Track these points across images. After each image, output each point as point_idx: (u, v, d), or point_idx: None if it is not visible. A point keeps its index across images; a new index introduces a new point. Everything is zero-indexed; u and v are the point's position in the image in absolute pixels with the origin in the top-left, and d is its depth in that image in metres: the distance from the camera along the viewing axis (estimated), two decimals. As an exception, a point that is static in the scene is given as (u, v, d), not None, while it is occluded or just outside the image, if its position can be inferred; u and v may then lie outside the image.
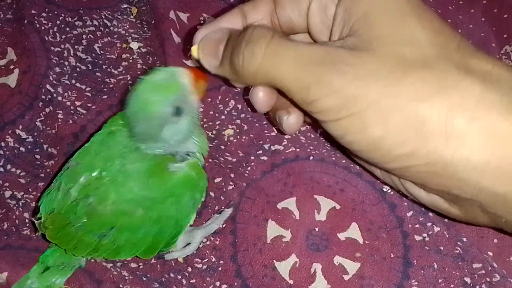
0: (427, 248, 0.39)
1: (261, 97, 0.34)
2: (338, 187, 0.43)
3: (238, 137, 0.47)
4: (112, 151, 0.37)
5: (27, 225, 0.43)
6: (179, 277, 0.40)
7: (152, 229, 0.36)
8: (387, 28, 0.30)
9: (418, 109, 0.28)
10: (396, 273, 0.39)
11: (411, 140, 0.29)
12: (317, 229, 0.41)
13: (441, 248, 0.39)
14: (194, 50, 0.35)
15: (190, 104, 0.36)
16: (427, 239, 0.40)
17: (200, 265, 0.40)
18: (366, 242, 0.40)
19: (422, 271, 0.39)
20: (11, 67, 0.51)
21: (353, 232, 0.41)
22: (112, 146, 0.37)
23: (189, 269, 0.40)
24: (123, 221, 0.35)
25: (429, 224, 0.40)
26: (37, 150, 0.46)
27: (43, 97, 0.48)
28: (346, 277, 0.39)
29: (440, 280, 0.38)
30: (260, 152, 0.46)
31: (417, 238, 0.40)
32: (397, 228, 0.41)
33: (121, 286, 0.38)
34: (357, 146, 0.31)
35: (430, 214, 0.40)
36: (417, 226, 0.40)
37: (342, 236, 0.41)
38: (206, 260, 0.40)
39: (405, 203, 0.41)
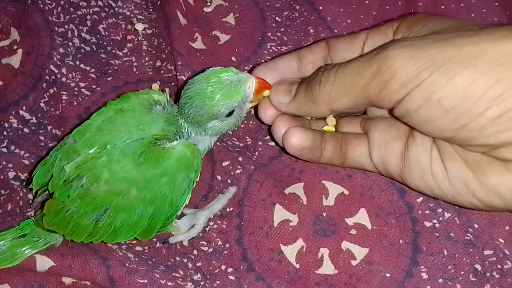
0: (437, 234, 0.39)
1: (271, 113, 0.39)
2: (346, 173, 0.42)
3: (246, 121, 0.47)
4: (118, 129, 0.36)
5: (31, 206, 0.42)
6: (185, 260, 0.39)
7: (147, 209, 0.36)
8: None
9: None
10: (405, 259, 0.38)
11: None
12: (324, 214, 0.41)
13: (452, 234, 0.39)
14: (266, 92, 0.39)
15: (243, 110, 0.38)
16: (437, 225, 0.39)
17: (206, 248, 0.40)
18: (374, 228, 0.40)
19: (432, 258, 0.38)
20: (15, 47, 0.50)
21: (362, 217, 0.40)
22: (119, 125, 0.36)
23: (195, 252, 0.40)
24: (117, 202, 0.35)
25: (439, 210, 0.39)
26: (41, 131, 0.46)
27: (47, 78, 0.48)
28: (354, 262, 0.38)
29: (449, 267, 0.38)
30: (268, 137, 0.45)
31: (427, 224, 0.39)
32: (406, 214, 0.40)
33: (127, 264, 0.38)
34: (448, 101, 0.30)
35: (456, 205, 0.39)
36: (427, 212, 0.40)
37: (350, 221, 0.40)
38: (212, 243, 0.40)
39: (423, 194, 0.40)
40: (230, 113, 0.37)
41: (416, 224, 0.39)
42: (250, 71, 0.40)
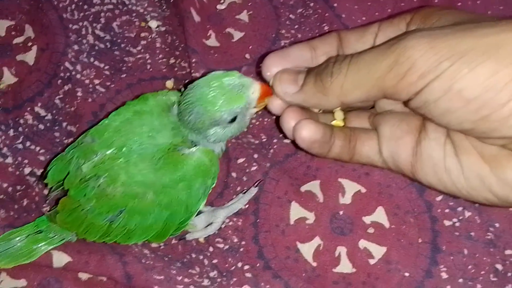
0: (457, 233, 0.38)
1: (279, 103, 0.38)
2: (363, 170, 0.42)
3: (260, 119, 0.46)
4: (135, 131, 0.36)
5: (47, 202, 0.42)
6: (201, 257, 0.39)
7: (162, 214, 0.35)
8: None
9: None
10: (424, 258, 0.38)
11: None
12: (341, 212, 0.40)
13: (472, 234, 0.38)
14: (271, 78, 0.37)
15: (246, 116, 0.36)
16: (457, 224, 0.39)
17: (221, 245, 0.40)
18: (392, 226, 0.39)
19: (451, 257, 0.38)
20: (29, 44, 0.50)
21: (379, 216, 0.40)
22: (137, 126, 0.36)
23: (211, 249, 0.39)
24: (132, 205, 0.35)
25: (459, 209, 0.39)
26: (56, 127, 0.46)
27: (61, 74, 0.48)
28: (371, 261, 0.38)
29: (470, 267, 0.37)
30: (283, 135, 0.45)
31: (447, 223, 0.39)
32: (425, 212, 0.39)
33: (143, 261, 0.37)
34: (470, 91, 0.30)
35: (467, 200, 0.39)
36: (447, 211, 0.39)
37: (367, 220, 0.40)
38: (228, 240, 0.40)
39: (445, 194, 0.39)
40: (233, 120, 0.35)
41: (436, 223, 0.39)
42: (261, 61, 0.39)
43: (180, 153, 0.35)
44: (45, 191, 0.43)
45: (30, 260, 0.37)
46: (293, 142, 0.38)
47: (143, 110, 0.37)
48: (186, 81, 0.49)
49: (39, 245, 0.37)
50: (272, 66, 0.38)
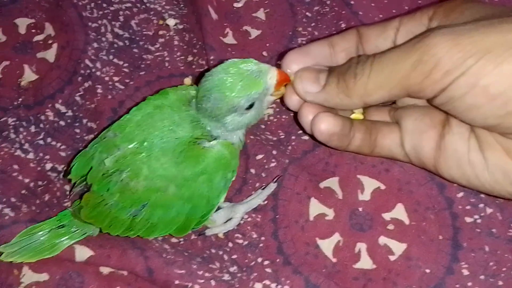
0: (478, 230, 0.38)
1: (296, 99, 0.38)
2: (383, 167, 0.42)
3: (278, 116, 0.46)
4: (156, 125, 0.36)
5: (68, 197, 0.42)
6: (221, 252, 0.39)
7: (184, 207, 0.36)
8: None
9: None
10: (444, 255, 0.38)
11: None
12: (360, 209, 0.40)
13: (494, 230, 0.38)
14: (291, 75, 0.37)
15: (264, 103, 0.36)
16: (478, 221, 0.38)
17: (241, 241, 0.40)
18: (412, 223, 0.39)
19: (473, 254, 0.37)
20: (50, 42, 0.51)
21: (399, 212, 0.40)
22: (157, 120, 0.36)
23: (230, 244, 0.40)
24: (155, 198, 0.35)
25: (481, 205, 0.39)
26: (76, 124, 0.46)
27: (82, 72, 0.48)
28: (392, 258, 0.38)
29: (491, 263, 0.37)
30: (301, 131, 0.45)
31: (468, 220, 0.39)
32: (446, 209, 0.39)
33: (164, 255, 0.38)
34: (496, 87, 0.30)
35: (482, 195, 0.39)
36: (468, 207, 0.39)
37: (387, 216, 0.40)
38: (247, 236, 0.40)
39: (455, 184, 0.40)
40: (250, 106, 0.35)
41: (456, 219, 0.39)
42: (280, 58, 0.39)
43: (201, 146, 0.35)
44: (66, 187, 0.43)
45: (52, 254, 0.38)
46: (312, 136, 0.38)
47: (163, 104, 0.37)
48: (202, 69, 0.49)
49: (62, 239, 0.38)
50: (292, 63, 0.38)
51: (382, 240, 0.39)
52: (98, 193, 0.36)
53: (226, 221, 0.40)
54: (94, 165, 0.37)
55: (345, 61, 0.38)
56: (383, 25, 0.38)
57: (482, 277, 0.37)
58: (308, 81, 0.36)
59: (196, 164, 0.35)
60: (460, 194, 0.39)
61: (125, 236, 0.37)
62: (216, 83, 0.34)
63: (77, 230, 0.38)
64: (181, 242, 0.40)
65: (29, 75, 0.49)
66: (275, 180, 0.41)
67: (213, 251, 0.39)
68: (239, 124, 0.36)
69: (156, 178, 0.35)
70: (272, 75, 0.35)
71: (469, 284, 0.36)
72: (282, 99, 0.40)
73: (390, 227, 0.39)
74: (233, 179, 0.37)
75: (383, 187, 0.41)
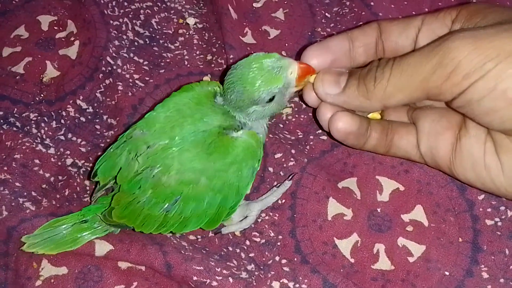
0: (499, 233, 0.38)
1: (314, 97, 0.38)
2: (402, 168, 0.41)
3: (297, 115, 0.47)
4: (184, 119, 0.37)
5: (88, 192, 0.43)
6: (238, 250, 0.39)
7: (216, 198, 0.36)
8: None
9: None
10: (464, 257, 0.37)
11: None
12: (379, 209, 0.40)
13: (515, 233, 0.37)
14: (311, 77, 0.38)
15: (285, 96, 0.37)
16: (499, 223, 0.38)
17: (258, 239, 0.40)
18: (432, 225, 0.39)
19: (493, 257, 0.37)
20: (72, 39, 0.51)
21: (418, 214, 0.40)
22: (186, 116, 0.37)
23: (247, 242, 0.40)
24: (187, 191, 0.35)
25: (502, 208, 0.38)
26: (97, 120, 0.47)
27: (103, 69, 0.49)
28: (411, 259, 0.38)
29: (511, 267, 0.36)
30: (320, 131, 0.45)
31: (489, 222, 0.38)
32: (466, 211, 0.39)
33: (182, 252, 0.38)
34: None
35: (504, 198, 0.38)
36: (489, 210, 0.38)
37: (406, 217, 0.40)
38: (265, 234, 0.40)
39: (482, 191, 0.39)
40: (271, 99, 0.36)
41: (477, 222, 0.38)
42: (301, 52, 0.39)
43: (229, 136, 0.36)
44: (86, 182, 0.44)
45: (73, 248, 0.38)
46: (329, 134, 0.39)
47: (190, 99, 0.38)
48: (221, 68, 0.49)
49: (83, 234, 0.38)
50: (312, 58, 0.38)
51: (401, 241, 0.38)
52: (130, 192, 0.36)
53: (242, 219, 0.40)
54: (123, 165, 0.37)
55: (363, 57, 0.38)
56: (406, 22, 0.38)
57: (502, 280, 0.36)
58: (329, 83, 0.37)
59: (226, 154, 0.36)
60: (481, 197, 0.39)
61: (158, 233, 0.37)
62: (239, 76, 0.36)
63: (99, 226, 0.38)
64: (199, 240, 0.40)
65: (51, 71, 0.49)
66: (289, 178, 0.41)
67: (230, 248, 0.40)
68: (262, 114, 0.38)
69: (188, 171, 0.35)
70: (293, 70, 0.36)
71: (489, 287, 0.36)
72: (301, 95, 0.40)
73: (409, 228, 0.39)
74: (258, 168, 0.38)
75: (402, 188, 0.41)
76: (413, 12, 0.53)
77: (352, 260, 0.38)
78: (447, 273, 0.37)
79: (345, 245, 0.39)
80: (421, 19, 0.38)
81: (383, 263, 0.38)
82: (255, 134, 0.37)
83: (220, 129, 0.36)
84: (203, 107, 0.37)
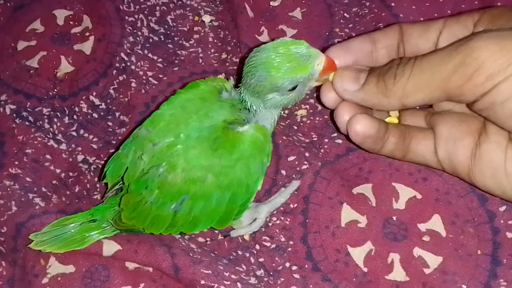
0: (520, 247, 0.36)
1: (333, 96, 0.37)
2: (420, 176, 0.40)
3: (312, 118, 0.45)
4: (189, 117, 0.36)
5: (98, 190, 0.42)
6: (247, 254, 0.38)
7: (224, 195, 0.35)
8: None
9: None
10: (482, 271, 0.36)
11: None
12: (394, 218, 0.39)
13: (537, 248, 0.36)
14: (331, 76, 0.37)
15: (306, 87, 0.36)
16: (521, 237, 0.36)
17: (268, 244, 0.39)
18: (450, 236, 0.37)
19: (513, 272, 0.35)
20: (87, 34, 0.51)
21: (435, 224, 0.38)
22: (191, 113, 0.36)
23: (257, 247, 0.39)
24: (195, 189, 0.34)
25: (525, 221, 0.37)
26: (109, 117, 0.46)
27: (117, 65, 0.48)
28: (427, 271, 0.36)
29: (533, 283, 0.35)
30: (335, 134, 0.44)
31: (509, 235, 0.37)
32: (486, 223, 0.37)
33: (191, 254, 0.37)
34: None
35: (526, 210, 0.37)
36: (510, 222, 0.37)
37: (422, 227, 0.38)
38: (275, 239, 0.39)
39: (501, 199, 0.38)
40: (293, 88, 0.35)
41: (497, 234, 0.37)
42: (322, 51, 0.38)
43: (235, 131, 0.35)
44: (97, 179, 0.43)
45: (81, 247, 0.38)
46: (346, 136, 0.38)
47: (195, 96, 0.37)
48: (237, 76, 0.49)
49: (92, 233, 0.38)
50: (334, 58, 0.37)
51: (417, 251, 0.37)
52: (137, 192, 0.35)
53: (251, 222, 0.39)
54: (129, 165, 0.36)
55: (385, 58, 0.37)
56: (427, 25, 0.37)
57: (522, 296, 0.35)
58: (348, 79, 0.36)
59: (232, 150, 0.34)
60: (503, 208, 0.37)
61: (169, 234, 0.37)
62: (264, 60, 0.34)
63: (108, 226, 0.38)
64: (208, 242, 0.40)
65: (65, 67, 0.49)
66: (299, 177, 0.40)
67: (239, 252, 0.39)
68: (278, 104, 0.36)
69: (194, 169, 0.34)
70: (320, 61, 0.34)
71: (509, 303, 0.35)
72: (318, 96, 0.39)
73: (426, 238, 0.38)
74: (268, 164, 0.37)
75: (419, 196, 0.39)
76: (435, 14, 0.52)
77: (365, 269, 0.37)
78: (464, 286, 0.35)
79: (358, 254, 0.37)
80: (442, 22, 0.36)
81: (398, 274, 0.36)
82: (262, 128, 0.36)
83: (225, 124, 0.35)
84: (208, 103, 0.36)
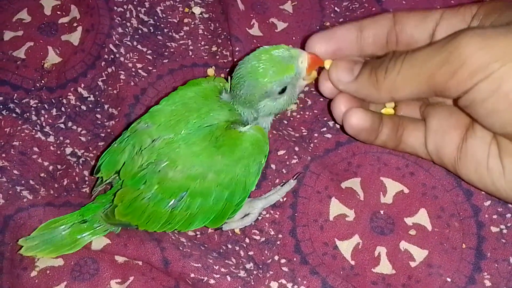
0: (503, 240, 0.37)
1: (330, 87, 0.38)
2: (408, 170, 0.40)
3: (302, 112, 0.46)
4: (191, 114, 0.36)
5: (87, 183, 0.42)
6: (237, 248, 0.39)
7: (223, 194, 0.35)
8: None
9: None
10: (467, 264, 0.37)
11: None
12: (382, 211, 0.39)
13: (520, 242, 0.37)
14: (327, 63, 0.38)
15: (296, 87, 0.37)
16: (504, 231, 0.37)
17: (258, 237, 0.39)
18: (435, 229, 0.38)
19: (496, 265, 0.36)
20: (74, 24, 0.50)
21: (422, 218, 0.39)
22: (192, 109, 0.36)
23: (247, 240, 0.39)
24: (194, 186, 0.34)
25: (508, 215, 0.37)
26: (98, 109, 0.46)
27: (105, 56, 0.48)
28: (412, 264, 0.37)
29: (515, 276, 0.36)
30: (324, 129, 0.44)
31: (494, 229, 0.37)
32: (471, 217, 0.38)
33: (180, 248, 0.37)
34: None
35: (510, 205, 0.38)
36: (494, 216, 0.38)
37: (409, 221, 0.39)
38: (264, 232, 0.39)
39: (484, 192, 0.38)
40: (283, 91, 0.36)
41: (482, 228, 0.38)
42: (305, 42, 0.39)
43: (238, 130, 0.36)
44: (85, 172, 0.43)
45: (72, 250, 0.37)
46: (341, 127, 0.39)
47: (196, 94, 0.37)
48: (227, 69, 0.49)
49: (83, 235, 0.37)
50: (315, 45, 0.38)
51: (403, 245, 0.38)
52: (134, 188, 0.35)
53: (243, 216, 0.39)
54: (126, 160, 0.36)
55: (371, 47, 0.38)
56: (424, 15, 0.37)
57: (505, 289, 0.35)
58: (343, 70, 0.37)
59: (235, 149, 0.35)
60: (488, 203, 0.38)
61: (163, 231, 0.37)
62: (249, 70, 0.35)
63: (99, 226, 0.37)
64: (198, 236, 0.40)
65: (52, 57, 0.48)
66: (295, 177, 0.40)
67: (229, 246, 0.39)
68: (272, 109, 0.37)
69: (195, 165, 0.34)
70: (303, 59, 0.35)
71: (491, 295, 0.35)
72: (316, 84, 0.40)
73: (412, 232, 0.38)
74: (264, 165, 0.37)
75: (406, 190, 0.40)
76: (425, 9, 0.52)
77: (353, 262, 0.37)
78: (449, 279, 0.36)
79: (346, 247, 0.38)
80: (440, 13, 0.36)
81: (384, 267, 0.37)
82: (262, 129, 0.37)
83: (228, 124, 0.36)
84: (209, 102, 0.36)
